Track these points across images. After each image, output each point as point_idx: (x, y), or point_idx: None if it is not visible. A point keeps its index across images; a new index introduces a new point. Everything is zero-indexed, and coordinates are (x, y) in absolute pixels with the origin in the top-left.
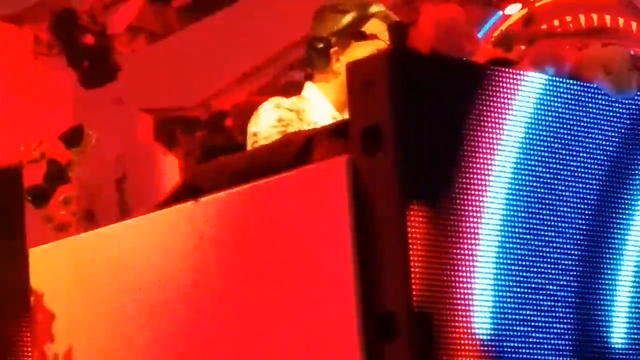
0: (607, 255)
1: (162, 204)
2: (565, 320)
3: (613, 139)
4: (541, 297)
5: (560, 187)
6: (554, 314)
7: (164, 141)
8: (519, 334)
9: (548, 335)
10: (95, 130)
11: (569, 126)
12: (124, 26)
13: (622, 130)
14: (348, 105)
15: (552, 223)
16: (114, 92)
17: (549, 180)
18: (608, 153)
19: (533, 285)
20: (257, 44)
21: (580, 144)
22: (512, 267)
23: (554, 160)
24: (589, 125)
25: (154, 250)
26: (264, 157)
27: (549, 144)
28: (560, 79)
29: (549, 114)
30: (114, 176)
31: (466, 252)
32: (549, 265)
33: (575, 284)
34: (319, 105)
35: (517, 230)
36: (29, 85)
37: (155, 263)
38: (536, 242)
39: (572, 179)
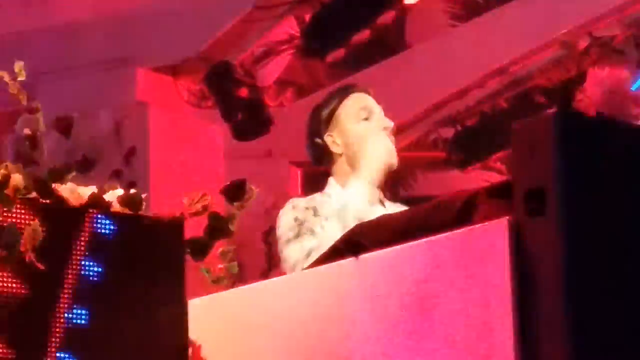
0: None
1: (321, 260)
2: None
3: None
4: None
5: None
6: None
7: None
8: None
9: None
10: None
11: None
12: (272, 79)
13: None
14: (512, 166)
15: None
16: (263, 145)
17: None
18: None
19: None
20: (406, 100)
21: None
22: None
23: None
24: None
25: (313, 307)
26: (425, 216)
27: None
28: None
29: None
30: (262, 229)
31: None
32: None
33: None
34: (341, 197)
35: None
36: (182, 136)
37: (314, 320)
38: None
39: None
